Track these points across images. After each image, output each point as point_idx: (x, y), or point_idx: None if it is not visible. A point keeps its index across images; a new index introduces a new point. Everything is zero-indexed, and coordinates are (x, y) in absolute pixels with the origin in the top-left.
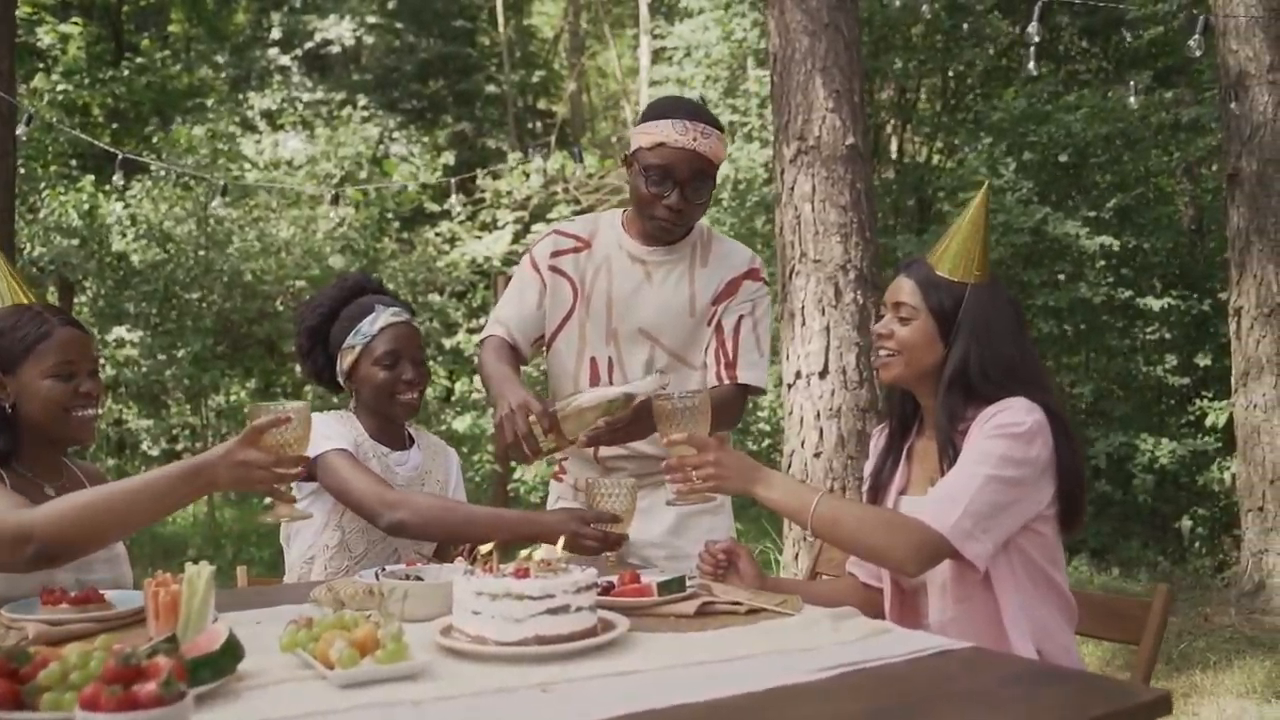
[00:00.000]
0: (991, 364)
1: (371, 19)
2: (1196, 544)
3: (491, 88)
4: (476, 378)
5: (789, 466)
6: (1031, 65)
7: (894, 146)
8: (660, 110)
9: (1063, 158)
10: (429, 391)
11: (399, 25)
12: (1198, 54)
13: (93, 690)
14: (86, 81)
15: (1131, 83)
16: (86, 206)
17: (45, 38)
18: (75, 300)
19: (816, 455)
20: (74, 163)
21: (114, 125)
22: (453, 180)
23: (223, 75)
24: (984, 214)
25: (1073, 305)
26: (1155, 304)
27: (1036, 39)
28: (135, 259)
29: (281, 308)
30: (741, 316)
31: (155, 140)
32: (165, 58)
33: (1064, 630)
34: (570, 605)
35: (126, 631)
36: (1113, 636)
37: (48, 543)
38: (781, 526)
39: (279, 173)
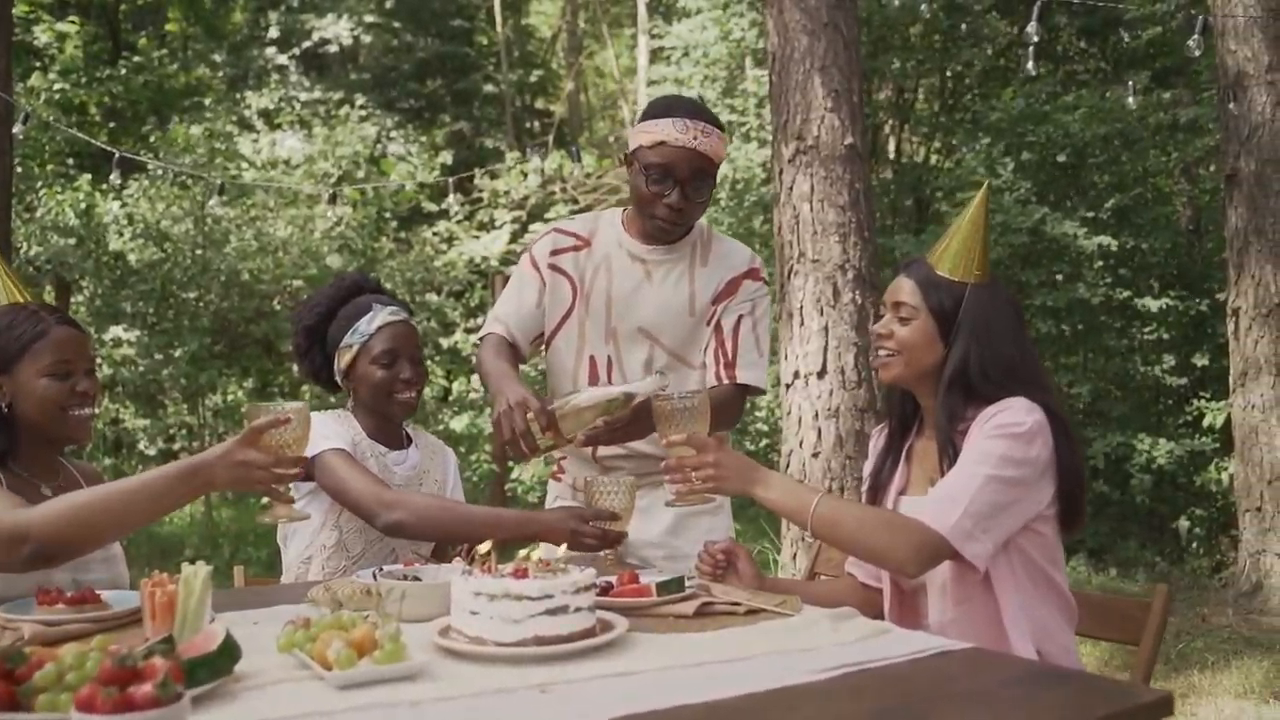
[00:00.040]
0: (991, 364)
1: (369, 18)
2: (1194, 544)
3: (489, 87)
4: (474, 377)
5: (787, 466)
6: (1030, 65)
7: (892, 146)
8: (661, 109)
9: (1061, 158)
10: (426, 391)
11: (397, 24)
12: (1196, 54)
13: (89, 691)
14: (83, 80)
15: (1130, 83)
16: (83, 205)
17: (42, 36)
18: (72, 299)
19: (815, 455)
20: (71, 162)
21: (111, 124)
22: (450, 180)
23: (220, 74)
24: (984, 213)
25: (1071, 305)
26: (1153, 304)
27: (1035, 39)
28: (132, 258)
29: (279, 307)
30: (741, 316)
31: (152, 139)
32: (162, 57)
33: (1064, 631)
34: (569, 606)
35: (123, 632)
36: (1111, 637)
37: (44, 543)
38: (780, 527)
39: (276, 172)
